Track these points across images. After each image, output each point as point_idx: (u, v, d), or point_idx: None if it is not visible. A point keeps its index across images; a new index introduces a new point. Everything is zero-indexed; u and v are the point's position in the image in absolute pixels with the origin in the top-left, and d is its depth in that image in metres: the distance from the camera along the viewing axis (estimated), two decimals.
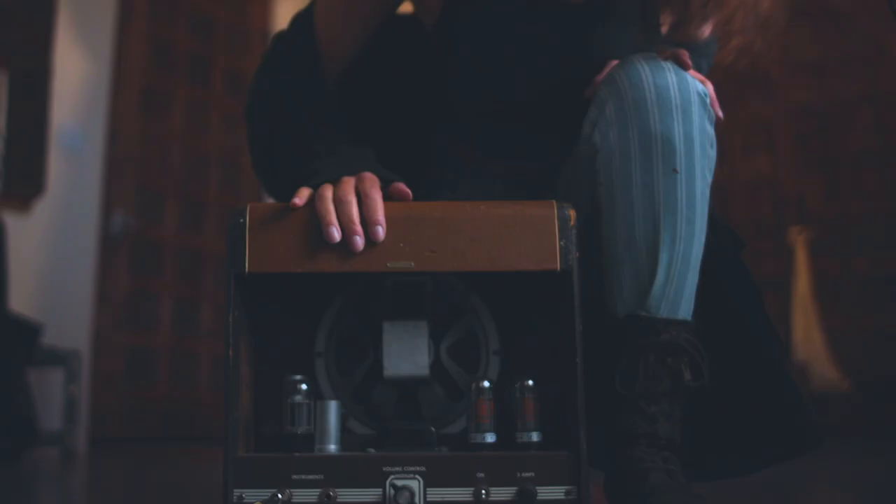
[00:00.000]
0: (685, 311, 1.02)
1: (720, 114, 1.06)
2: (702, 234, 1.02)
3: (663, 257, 1.00)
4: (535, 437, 0.92)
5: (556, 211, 0.94)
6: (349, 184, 0.97)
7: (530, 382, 0.93)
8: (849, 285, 3.95)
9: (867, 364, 3.71)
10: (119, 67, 4.04)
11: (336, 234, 0.92)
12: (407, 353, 0.96)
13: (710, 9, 1.03)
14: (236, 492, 0.88)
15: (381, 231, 0.92)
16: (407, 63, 1.24)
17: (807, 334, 3.71)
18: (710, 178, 1.03)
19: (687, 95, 1.00)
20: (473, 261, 0.92)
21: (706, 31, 1.10)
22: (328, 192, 0.96)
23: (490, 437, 0.92)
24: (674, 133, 0.99)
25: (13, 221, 3.23)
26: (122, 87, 4.04)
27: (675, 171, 0.99)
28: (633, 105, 1.00)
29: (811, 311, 3.75)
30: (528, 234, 0.93)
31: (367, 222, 0.92)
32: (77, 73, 3.88)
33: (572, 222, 0.93)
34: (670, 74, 1.01)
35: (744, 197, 4.29)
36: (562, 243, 0.93)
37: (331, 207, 0.93)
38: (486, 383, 0.93)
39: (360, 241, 0.91)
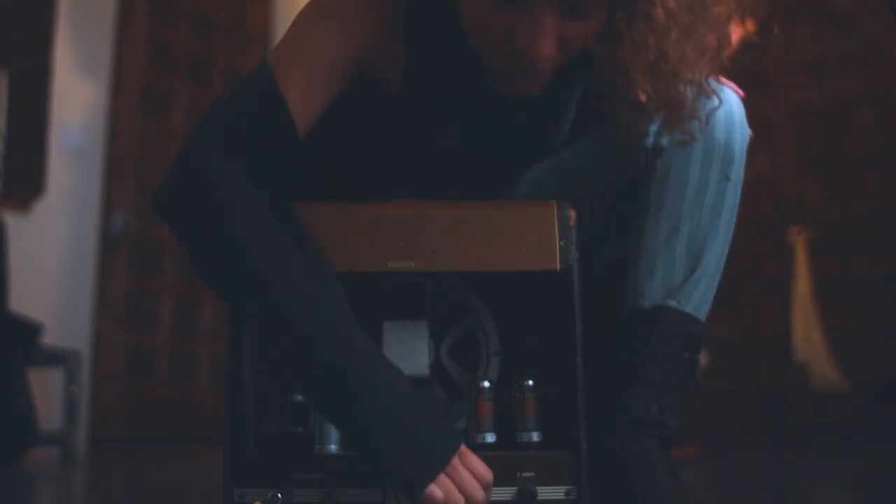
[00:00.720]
0: (704, 311, 1.08)
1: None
2: (729, 242, 1.11)
3: (704, 255, 1.07)
4: (535, 437, 0.92)
5: (556, 211, 0.94)
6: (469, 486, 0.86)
7: (530, 382, 0.93)
8: (849, 285, 3.95)
9: (867, 364, 3.71)
10: (119, 67, 4.04)
11: None
12: (407, 353, 0.97)
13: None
14: (237, 491, 0.88)
15: None
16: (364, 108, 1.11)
17: (807, 334, 3.71)
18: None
19: (743, 113, 1.09)
20: (474, 261, 0.92)
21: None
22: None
23: (490, 437, 0.92)
24: (734, 143, 1.08)
25: (13, 221, 3.23)
26: (122, 87, 4.04)
27: (728, 178, 1.08)
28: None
29: (811, 311, 3.74)
30: (529, 235, 0.93)
31: None
32: (77, 72, 3.88)
33: (572, 222, 0.94)
34: (734, 94, 1.10)
35: (743, 196, 4.27)
36: (562, 243, 0.93)
37: None
38: (486, 383, 0.93)
39: None
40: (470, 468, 0.86)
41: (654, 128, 1.10)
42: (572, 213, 0.94)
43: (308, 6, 1.07)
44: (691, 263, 1.07)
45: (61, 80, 3.77)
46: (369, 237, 0.93)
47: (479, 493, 0.85)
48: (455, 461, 0.86)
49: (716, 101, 1.04)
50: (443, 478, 0.85)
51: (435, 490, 0.84)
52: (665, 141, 1.09)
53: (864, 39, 4.08)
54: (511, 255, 0.92)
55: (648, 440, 1.01)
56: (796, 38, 4.33)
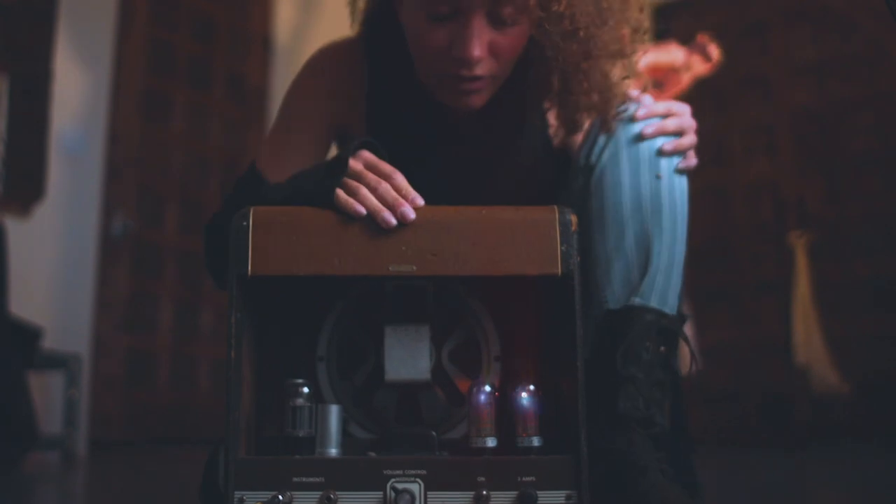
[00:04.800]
0: (672, 305, 1.11)
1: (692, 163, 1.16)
2: (684, 236, 1.14)
3: (653, 250, 1.10)
4: (535, 441, 0.92)
5: (557, 215, 0.94)
6: (365, 174, 0.99)
7: (531, 387, 0.93)
8: (849, 288, 3.95)
9: (868, 367, 3.71)
10: (119, 71, 4.04)
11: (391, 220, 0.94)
12: (408, 358, 0.97)
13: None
14: (237, 494, 0.88)
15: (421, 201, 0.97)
16: None
17: (807, 337, 3.71)
18: (686, 190, 1.15)
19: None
20: (475, 265, 0.92)
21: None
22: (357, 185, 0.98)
23: (491, 442, 0.92)
24: (657, 141, 1.12)
25: (13, 225, 3.23)
26: (122, 90, 4.04)
27: (658, 176, 1.12)
28: (623, 124, 1.15)
29: (811, 315, 3.75)
30: (530, 239, 0.93)
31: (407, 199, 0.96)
32: (77, 76, 3.88)
33: (573, 227, 0.94)
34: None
35: (744, 199, 4.29)
36: (563, 248, 0.93)
37: (370, 196, 0.96)
38: (487, 388, 0.93)
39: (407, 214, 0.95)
40: (367, 165, 1.00)
41: (584, 150, 1.19)
42: (573, 218, 0.94)
43: (290, 90, 1.30)
44: (643, 261, 1.10)
45: (62, 84, 3.77)
46: (371, 240, 0.93)
47: (373, 181, 0.97)
48: (353, 165, 1.00)
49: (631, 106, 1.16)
50: (345, 181, 0.97)
51: (339, 193, 0.96)
52: (593, 159, 1.15)
53: (863, 41, 4.08)
54: (512, 259, 0.92)
55: (639, 439, 1.02)
56: (796, 41, 4.34)
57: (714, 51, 2.35)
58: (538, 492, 0.88)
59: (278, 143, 1.26)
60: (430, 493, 0.88)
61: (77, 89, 3.89)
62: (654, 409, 1.04)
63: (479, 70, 1.10)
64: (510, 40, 1.10)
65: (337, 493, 0.88)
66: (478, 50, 1.07)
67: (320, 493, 0.88)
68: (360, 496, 0.88)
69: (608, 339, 1.08)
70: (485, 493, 0.88)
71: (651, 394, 1.05)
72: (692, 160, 1.14)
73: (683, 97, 2.45)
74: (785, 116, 4.31)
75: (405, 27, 1.16)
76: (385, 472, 0.89)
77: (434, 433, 0.97)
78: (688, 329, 1.14)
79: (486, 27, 1.08)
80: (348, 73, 1.26)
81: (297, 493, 0.88)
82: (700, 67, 2.37)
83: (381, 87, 1.25)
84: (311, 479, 0.88)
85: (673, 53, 2.34)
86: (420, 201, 0.95)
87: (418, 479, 0.88)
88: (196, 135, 4.36)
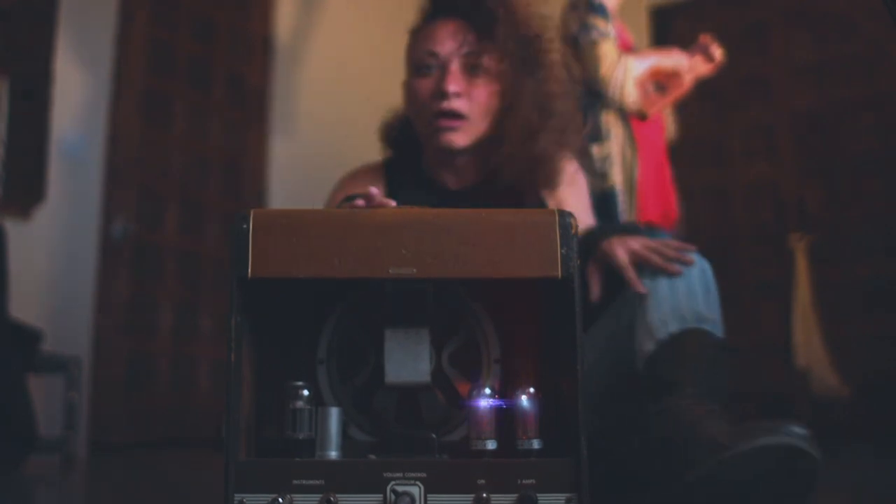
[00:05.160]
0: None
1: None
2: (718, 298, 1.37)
3: (704, 313, 1.31)
4: (535, 444, 0.92)
5: (557, 218, 0.94)
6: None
7: (531, 389, 0.93)
8: (849, 289, 3.95)
9: (868, 367, 3.71)
10: (119, 73, 4.04)
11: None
12: (408, 360, 0.97)
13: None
14: (237, 496, 0.88)
15: None
16: None
17: (807, 340, 3.71)
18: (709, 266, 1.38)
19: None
20: (475, 267, 0.92)
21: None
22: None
23: (491, 444, 0.92)
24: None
25: (13, 228, 3.23)
26: (122, 91, 4.04)
27: (688, 260, 1.34)
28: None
29: (811, 317, 3.74)
30: (530, 242, 0.93)
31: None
32: (77, 77, 3.88)
33: (573, 230, 0.94)
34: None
35: (744, 200, 4.29)
36: (563, 250, 0.93)
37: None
38: (487, 390, 0.93)
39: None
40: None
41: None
42: (573, 221, 0.94)
43: (327, 200, 1.55)
44: (696, 318, 1.31)
45: (62, 86, 3.77)
46: (371, 243, 0.93)
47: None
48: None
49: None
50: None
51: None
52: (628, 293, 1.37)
53: (863, 42, 4.08)
54: (512, 262, 0.92)
55: (686, 400, 1.17)
56: (796, 42, 4.34)
57: (716, 51, 2.35)
58: (538, 494, 0.88)
59: None
60: (430, 496, 0.88)
61: (77, 90, 3.89)
62: (702, 390, 1.21)
63: (456, 104, 1.40)
64: (481, 88, 1.42)
65: (337, 495, 0.88)
66: (453, 85, 1.39)
67: (320, 495, 0.88)
68: (361, 499, 0.88)
69: (671, 347, 1.26)
70: (485, 495, 0.88)
71: (690, 391, 1.20)
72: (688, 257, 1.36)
73: (684, 99, 2.46)
74: (785, 117, 4.31)
75: (405, 97, 1.51)
76: (385, 474, 0.89)
77: (434, 436, 0.97)
78: None
79: (461, 73, 1.42)
80: (372, 179, 1.55)
81: (297, 496, 0.88)
82: (702, 68, 2.37)
83: (397, 187, 1.52)
84: (312, 482, 0.88)
85: (675, 58, 2.34)
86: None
87: (418, 482, 0.88)
88: (196, 135, 4.36)
